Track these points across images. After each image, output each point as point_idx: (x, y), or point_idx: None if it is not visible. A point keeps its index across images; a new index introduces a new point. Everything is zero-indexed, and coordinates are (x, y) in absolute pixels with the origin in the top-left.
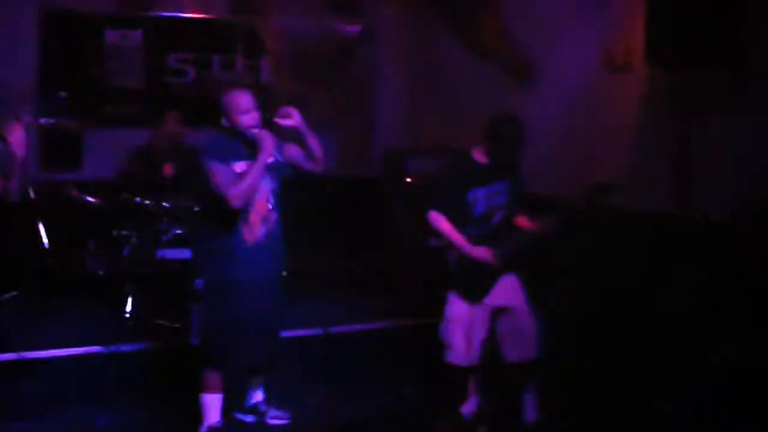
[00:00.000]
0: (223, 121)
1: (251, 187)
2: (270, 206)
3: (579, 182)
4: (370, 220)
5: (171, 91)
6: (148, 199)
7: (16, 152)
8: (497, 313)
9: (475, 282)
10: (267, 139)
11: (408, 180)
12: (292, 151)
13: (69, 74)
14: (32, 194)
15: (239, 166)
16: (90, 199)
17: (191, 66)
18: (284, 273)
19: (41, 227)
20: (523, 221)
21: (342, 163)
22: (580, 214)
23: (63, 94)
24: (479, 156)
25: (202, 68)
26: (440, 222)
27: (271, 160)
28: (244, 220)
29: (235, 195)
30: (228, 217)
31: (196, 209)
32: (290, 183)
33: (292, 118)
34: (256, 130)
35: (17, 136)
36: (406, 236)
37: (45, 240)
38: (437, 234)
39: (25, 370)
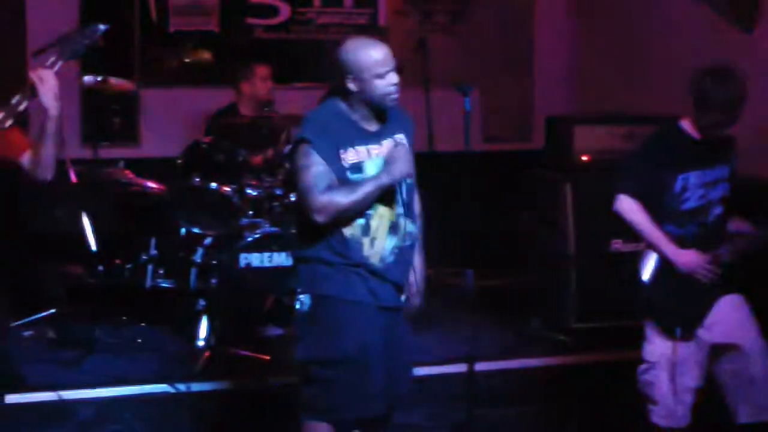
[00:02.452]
0: (348, 84)
1: (356, 205)
2: (400, 210)
3: None
4: (524, 213)
5: (254, 36)
6: (227, 185)
7: (49, 108)
8: (717, 353)
9: (681, 306)
10: (405, 124)
11: (583, 159)
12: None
13: (119, 15)
14: (73, 177)
15: (353, 155)
16: (150, 185)
17: (283, 1)
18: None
19: (86, 224)
20: (739, 225)
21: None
22: None
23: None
24: (690, 127)
25: (297, 5)
26: (635, 212)
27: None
28: (364, 229)
29: (321, 206)
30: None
31: (293, 199)
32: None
33: None
34: (394, 98)
35: (50, 86)
36: (579, 237)
37: (92, 241)
38: (626, 233)
39: (66, 415)
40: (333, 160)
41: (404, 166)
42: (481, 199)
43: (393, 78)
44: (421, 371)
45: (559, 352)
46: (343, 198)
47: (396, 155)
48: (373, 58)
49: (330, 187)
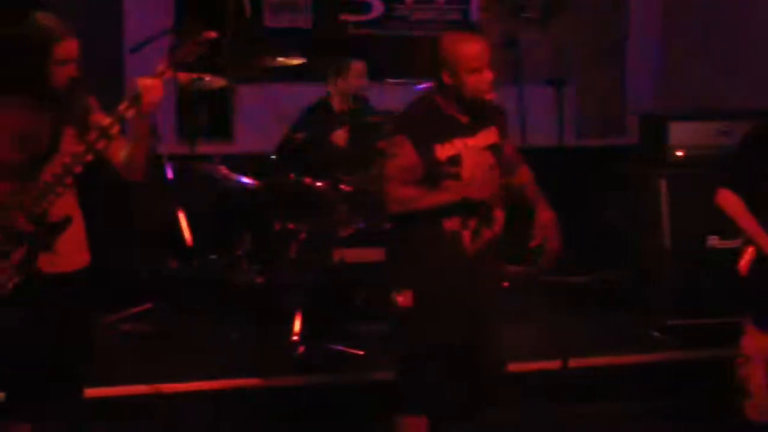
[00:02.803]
0: (444, 78)
1: (429, 207)
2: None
3: None
4: (616, 209)
5: (347, 33)
6: (321, 181)
7: (148, 114)
8: None
9: None
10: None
11: (678, 154)
12: None
13: (214, 12)
14: (169, 173)
15: (449, 149)
16: (244, 180)
17: None
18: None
19: (182, 219)
20: None
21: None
22: None
23: (212, 35)
24: None
25: (390, 1)
26: (736, 207)
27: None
28: (464, 221)
29: (396, 198)
30: (434, 214)
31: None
32: None
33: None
34: (488, 95)
35: (156, 96)
36: (674, 234)
37: (188, 236)
38: (722, 229)
39: (160, 409)
40: (427, 154)
41: (482, 190)
42: (573, 193)
43: (487, 74)
44: (515, 367)
45: (654, 349)
46: (419, 197)
47: (478, 176)
48: (467, 53)
49: (411, 183)
